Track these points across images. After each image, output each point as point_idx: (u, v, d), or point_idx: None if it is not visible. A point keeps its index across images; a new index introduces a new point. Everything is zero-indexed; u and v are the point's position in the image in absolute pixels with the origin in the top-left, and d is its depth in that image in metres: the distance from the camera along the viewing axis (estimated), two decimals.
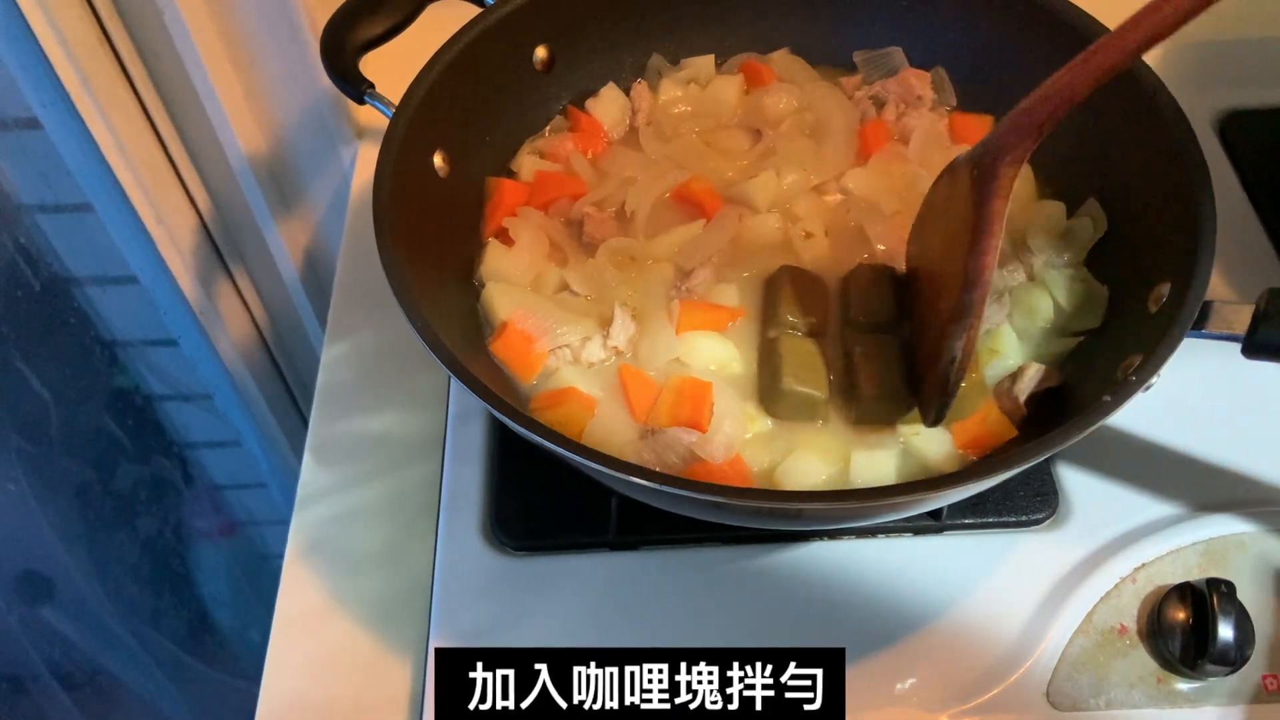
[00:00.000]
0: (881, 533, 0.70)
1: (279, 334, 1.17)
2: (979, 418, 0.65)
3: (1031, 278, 0.72)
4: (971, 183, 0.61)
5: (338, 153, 0.97)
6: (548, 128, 0.82)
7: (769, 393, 0.67)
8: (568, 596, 0.68)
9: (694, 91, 0.83)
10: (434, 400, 0.79)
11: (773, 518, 0.61)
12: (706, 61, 0.84)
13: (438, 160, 0.72)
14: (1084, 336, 0.69)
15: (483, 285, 0.73)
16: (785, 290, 0.70)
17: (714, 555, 0.69)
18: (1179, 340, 0.56)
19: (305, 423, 1.30)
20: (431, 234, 0.70)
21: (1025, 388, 0.66)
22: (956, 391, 0.61)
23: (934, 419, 0.63)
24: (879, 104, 0.81)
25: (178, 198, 0.96)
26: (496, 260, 0.73)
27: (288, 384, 1.23)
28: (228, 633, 1.54)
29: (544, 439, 0.55)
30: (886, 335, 0.68)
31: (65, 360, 1.04)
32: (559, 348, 0.68)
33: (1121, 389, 0.55)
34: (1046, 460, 0.72)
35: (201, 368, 1.09)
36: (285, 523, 1.42)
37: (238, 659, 1.46)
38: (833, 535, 0.69)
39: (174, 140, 0.94)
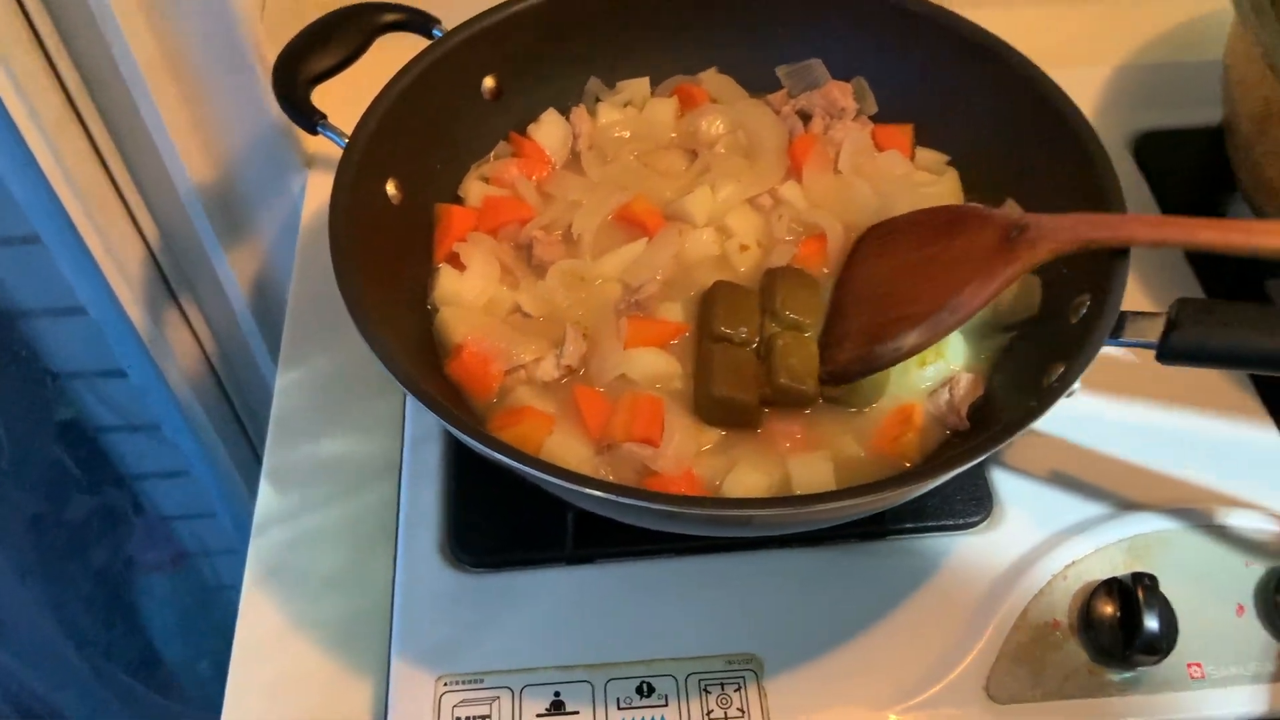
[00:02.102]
0: (828, 540, 0.72)
1: (228, 362, 1.17)
2: (901, 418, 0.69)
3: None
4: (1002, 239, 0.67)
5: (286, 182, 0.98)
6: (492, 153, 0.84)
7: (703, 401, 0.70)
8: (527, 611, 0.69)
9: (631, 114, 0.86)
10: (389, 424, 0.80)
11: (724, 525, 0.64)
12: (641, 84, 0.87)
13: (390, 188, 0.74)
14: (1017, 330, 0.72)
15: (436, 309, 0.74)
16: (718, 304, 0.73)
17: (668, 566, 0.71)
18: (1098, 347, 0.59)
19: (255, 451, 1.31)
20: (385, 260, 0.71)
21: (964, 399, 0.69)
22: (878, 371, 0.68)
23: (838, 381, 0.69)
24: (805, 117, 0.85)
25: (126, 228, 0.96)
26: (449, 284, 0.75)
27: (237, 412, 1.24)
28: (179, 664, 1.52)
29: (504, 455, 0.57)
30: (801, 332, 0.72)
31: (15, 393, 1.03)
32: (514, 368, 0.70)
33: (1046, 394, 0.58)
34: (981, 467, 0.75)
35: (151, 398, 1.09)
36: (236, 552, 1.42)
37: (190, 689, 1.45)
38: (782, 543, 0.72)
39: (121, 171, 0.94)
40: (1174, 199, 0.91)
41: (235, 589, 1.49)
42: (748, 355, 0.71)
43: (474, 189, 0.81)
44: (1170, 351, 0.59)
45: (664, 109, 0.86)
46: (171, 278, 1.04)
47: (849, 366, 0.69)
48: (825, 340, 0.71)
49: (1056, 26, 1.05)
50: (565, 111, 0.86)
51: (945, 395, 0.70)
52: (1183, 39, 1.05)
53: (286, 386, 0.84)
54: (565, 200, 0.81)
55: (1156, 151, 0.94)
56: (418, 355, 0.71)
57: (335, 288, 0.85)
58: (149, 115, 0.88)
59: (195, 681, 1.55)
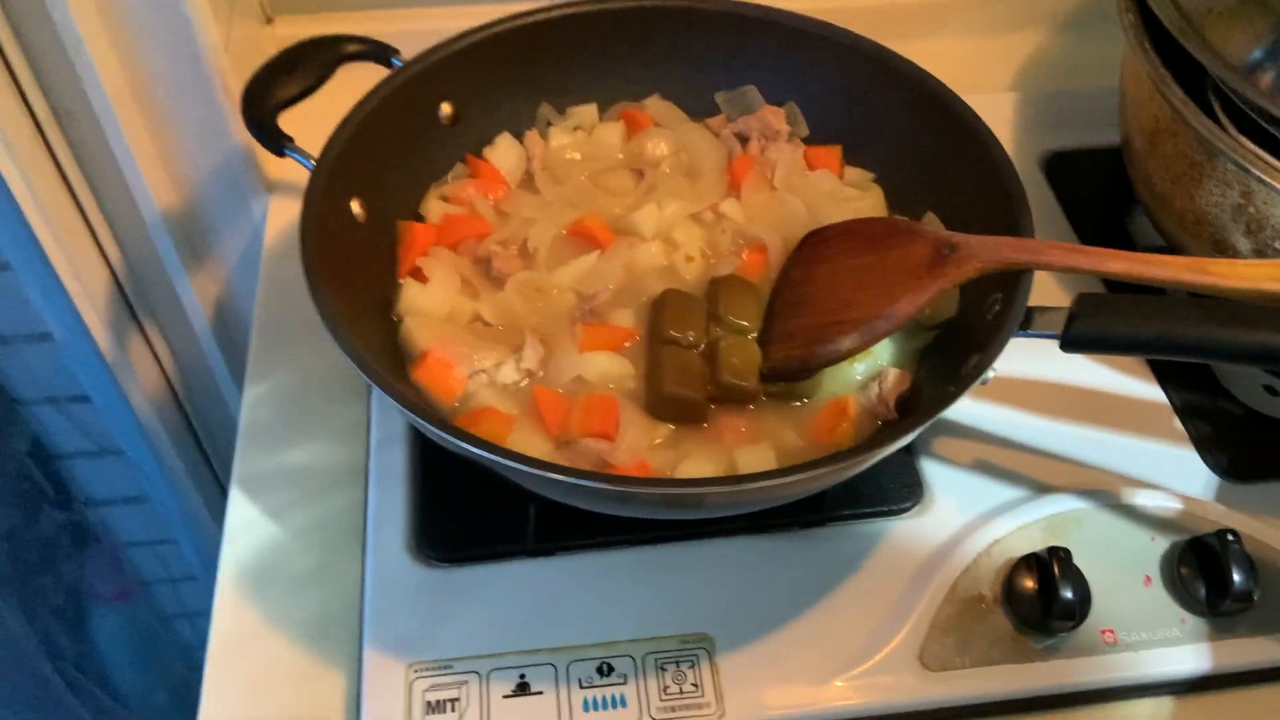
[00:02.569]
0: (773, 529, 0.78)
1: (189, 385, 1.20)
2: (836, 410, 0.75)
3: None
4: (934, 254, 0.73)
5: (248, 207, 1.02)
6: (450, 174, 0.89)
7: (654, 399, 0.75)
8: (492, 601, 0.74)
9: (581, 138, 0.92)
10: (354, 432, 0.84)
11: (677, 505, 0.69)
12: (590, 110, 0.93)
13: (355, 207, 0.78)
14: (939, 330, 0.79)
15: (401, 320, 0.79)
16: (667, 310, 0.78)
17: (624, 556, 0.76)
18: (1008, 338, 0.66)
19: (215, 475, 1.33)
20: (351, 274, 0.76)
21: (891, 391, 0.75)
22: (816, 371, 0.75)
23: (779, 378, 0.75)
24: (743, 139, 0.91)
25: (92, 254, 1.00)
26: (413, 297, 0.79)
27: (197, 435, 1.26)
28: (134, 690, 1.52)
29: (471, 445, 0.61)
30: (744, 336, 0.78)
31: None
32: (476, 372, 0.75)
33: (961, 379, 0.64)
34: (912, 457, 0.81)
35: (114, 422, 1.11)
36: (195, 579, 1.43)
37: (148, 715, 1.45)
38: (730, 531, 0.77)
39: (88, 199, 0.97)
40: (1080, 212, 0.99)
41: (195, 616, 1.50)
42: (695, 356, 0.76)
43: (434, 207, 0.86)
44: (1071, 340, 0.66)
45: (611, 132, 0.92)
46: (135, 302, 1.07)
47: (791, 365, 0.75)
48: (764, 338, 0.77)
49: (973, 56, 1.13)
50: (519, 135, 0.91)
51: (875, 389, 0.76)
52: (1089, 67, 1.14)
53: (253, 400, 0.87)
54: (520, 217, 0.86)
55: (1064, 169, 1.02)
56: (384, 363, 0.75)
57: (299, 306, 0.89)
58: (116, 145, 0.91)
59: (152, 711, 1.55)
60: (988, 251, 0.71)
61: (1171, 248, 0.87)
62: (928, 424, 0.63)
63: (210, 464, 1.30)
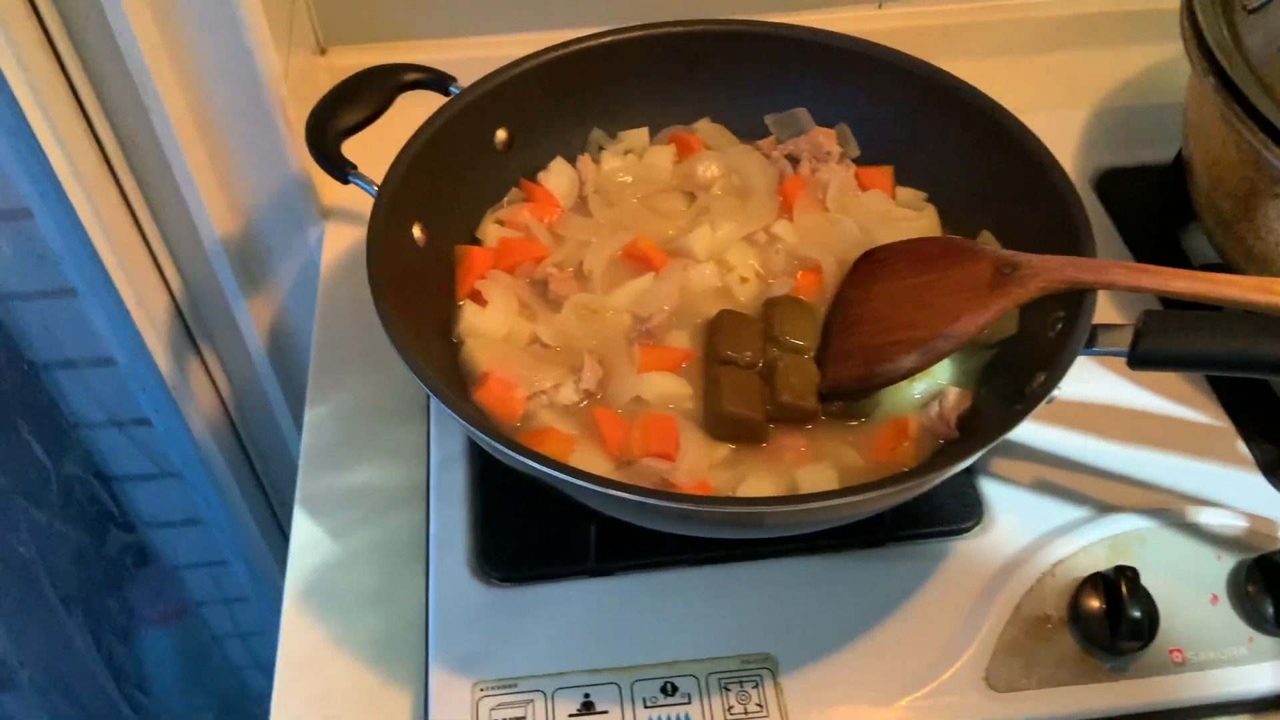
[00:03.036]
0: (833, 549, 0.78)
1: (244, 409, 1.21)
2: (897, 430, 0.75)
3: None
4: (995, 273, 0.73)
5: (304, 234, 1.04)
6: (505, 199, 0.91)
7: (713, 419, 0.75)
8: (555, 621, 0.74)
9: (632, 161, 0.93)
10: (414, 452, 0.85)
11: (740, 525, 0.69)
12: (641, 134, 0.94)
13: (416, 231, 0.80)
14: (998, 348, 0.78)
15: (461, 342, 0.80)
16: (723, 330, 0.79)
17: (685, 576, 0.76)
18: (1074, 356, 0.66)
19: (267, 499, 1.34)
20: (413, 297, 0.77)
21: (952, 410, 0.75)
22: (875, 391, 0.74)
23: (838, 397, 0.75)
24: (794, 161, 0.92)
25: (154, 280, 1.02)
26: (473, 319, 0.80)
27: (251, 460, 1.28)
28: (181, 715, 1.54)
29: (535, 461, 0.62)
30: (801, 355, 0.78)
31: (47, 440, 1.07)
32: (536, 393, 0.76)
33: (1028, 399, 0.64)
34: (972, 477, 0.81)
35: (173, 445, 1.13)
36: (245, 600, 1.44)
37: None
38: (791, 551, 0.77)
39: (150, 226, 1.00)
40: (1134, 229, 0.98)
41: (247, 636, 1.51)
42: (752, 376, 0.77)
43: (491, 231, 0.87)
44: (1140, 358, 0.66)
45: (662, 155, 0.93)
46: (194, 327, 1.09)
47: (850, 384, 0.76)
48: (822, 357, 0.78)
49: (1020, 74, 1.13)
50: (571, 159, 0.92)
51: (935, 408, 0.75)
52: (1139, 84, 1.14)
53: (314, 422, 0.89)
54: (575, 240, 0.87)
55: (1116, 186, 1.02)
56: (446, 383, 0.76)
57: (357, 331, 0.92)
58: (179, 172, 0.93)
59: None
60: (1051, 271, 0.70)
61: (1228, 266, 0.87)
62: (994, 444, 0.63)
63: (263, 487, 1.32)
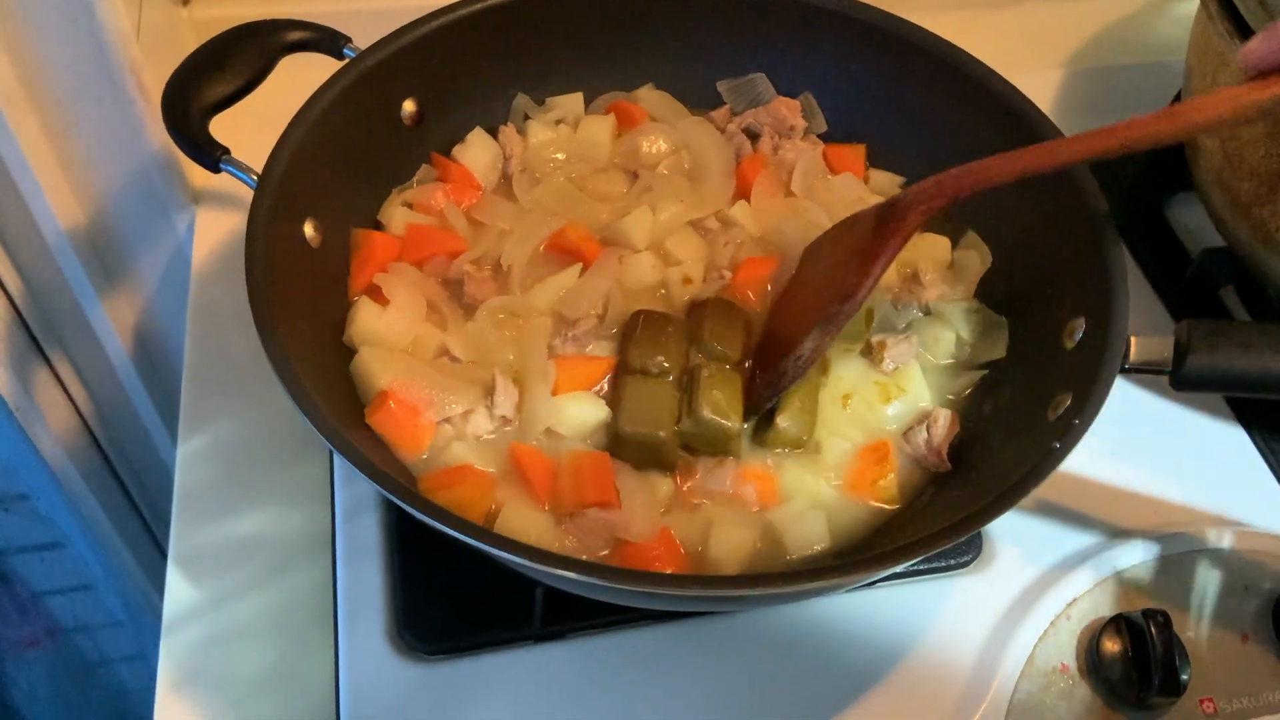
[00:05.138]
0: (813, 595, 0.67)
1: (107, 422, 1.05)
2: (875, 457, 0.65)
3: (929, 312, 0.72)
4: (876, 221, 0.65)
5: (170, 221, 0.88)
6: (415, 177, 0.77)
7: (613, 440, 0.64)
8: (495, 700, 0.62)
9: (565, 134, 0.80)
10: (315, 493, 0.71)
11: (715, 604, 0.57)
12: (574, 100, 0.81)
13: (309, 230, 0.66)
14: (988, 369, 0.69)
15: (354, 349, 0.66)
16: (635, 333, 0.67)
17: (650, 635, 0.65)
18: (1114, 376, 0.56)
19: (141, 517, 1.18)
20: (303, 304, 0.64)
21: (942, 438, 0.65)
22: (787, 388, 0.64)
23: (753, 412, 0.66)
24: (753, 135, 0.80)
25: None
26: (370, 322, 0.67)
27: (119, 476, 1.11)
28: None
29: (469, 536, 0.49)
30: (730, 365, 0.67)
31: None
32: (444, 420, 0.63)
33: (1069, 433, 0.54)
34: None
35: (22, 469, 0.96)
36: (119, 625, 1.28)
37: None
38: (766, 600, 0.66)
39: None
40: (1112, 203, 0.89)
41: (118, 662, 1.35)
42: (665, 387, 0.65)
43: (397, 215, 0.73)
44: (1187, 379, 0.56)
45: (600, 127, 0.80)
46: (39, 334, 0.92)
47: (761, 389, 0.66)
48: (750, 373, 0.68)
49: (993, 29, 1.04)
50: (493, 131, 0.79)
51: (923, 435, 0.66)
52: (1128, 43, 1.06)
53: (188, 457, 0.74)
54: (496, 229, 0.74)
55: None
56: (341, 404, 0.62)
57: (238, 338, 0.77)
58: (8, 152, 0.77)
59: None
60: (924, 192, 0.62)
61: (1235, 250, 0.78)
62: (1034, 488, 0.53)
63: (136, 505, 1.16)
